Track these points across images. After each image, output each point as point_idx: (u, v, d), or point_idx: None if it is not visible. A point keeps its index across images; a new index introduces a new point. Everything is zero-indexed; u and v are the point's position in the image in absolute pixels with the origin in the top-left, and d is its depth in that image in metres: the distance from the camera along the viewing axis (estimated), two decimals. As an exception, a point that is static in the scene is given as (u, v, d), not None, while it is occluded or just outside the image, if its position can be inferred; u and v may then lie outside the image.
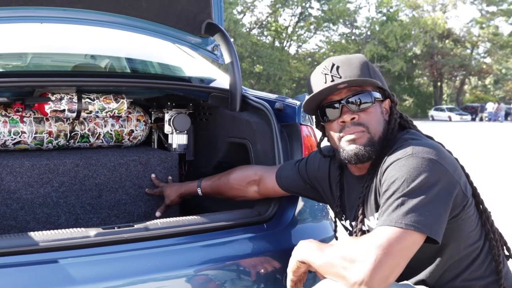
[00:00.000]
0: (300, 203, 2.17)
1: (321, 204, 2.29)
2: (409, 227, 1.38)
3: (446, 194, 1.45)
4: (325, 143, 1.86)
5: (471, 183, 1.62)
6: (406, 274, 1.60)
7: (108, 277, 1.67)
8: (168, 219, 1.97)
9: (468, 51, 50.61)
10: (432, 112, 43.83)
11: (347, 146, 1.62)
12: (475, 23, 48.99)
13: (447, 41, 49.63)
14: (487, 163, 10.60)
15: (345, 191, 1.81)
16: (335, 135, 1.66)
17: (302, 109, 1.73)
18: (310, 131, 2.27)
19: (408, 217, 1.39)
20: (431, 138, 1.65)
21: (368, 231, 1.68)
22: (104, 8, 2.27)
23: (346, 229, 1.85)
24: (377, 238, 1.39)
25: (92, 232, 1.76)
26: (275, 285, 1.96)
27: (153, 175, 2.49)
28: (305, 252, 1.58)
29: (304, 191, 2.02)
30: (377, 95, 1.64)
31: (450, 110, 42.80)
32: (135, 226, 1.85)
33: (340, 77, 1.60)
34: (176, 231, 1.90)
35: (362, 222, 1.69)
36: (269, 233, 2.06)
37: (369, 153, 1.60)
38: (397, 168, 1.48)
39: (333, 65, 1.62)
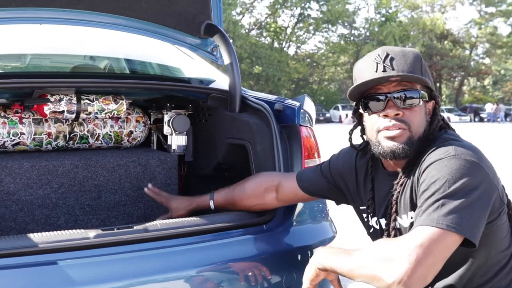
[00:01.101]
0: (300, 204, 2.17)
1: (320, 205, 2.29)
2: (450, 228, 1.37)
3: (486, 198, 1.44)
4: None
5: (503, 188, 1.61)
6: (436, 276, 1.57)
7: (107, 278, 1.66)
8: (167, 221, 1.97)
9: (467, 52, 50.67)
10: (431, 113, 43.77)
11: (385, 141, 1.58)
12: (474, 24, 49.08)
13: (446, 42, 49.68)
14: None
15: (375, 185, 1.77)
16: (374, 127, 1.62)
17: (347, 95, 1.69)
18: (309, 132, 2.26)
19: (449, 218, 1.38)
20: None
21: (399, 229, 1.65)
22: (103, 9, 2.26)
23: (370, 227, 1.79)
24: (417, 238, 1.37)
25: (91, 233, 1.75)
26: (275, 286, 1.96)
27: (147, 188, 2.34)
28: (328, 258, 1.54)
29: (328, 192, 1.97)
30: (424, 94, 1.61)
31: (449, 111, 42.83)
32: (135, 227, 1.85)
33: (393, 69, 1.56)
34: (176, 232, 1.89)
35: (395, 220, 1.66)
36: (269, 234, 2.05)
37: (406, 152, 1.56)
38: (439, 168, 1.46)
39: (387, 55, 1.58)
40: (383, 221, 1.71)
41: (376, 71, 1.58)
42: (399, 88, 1.58)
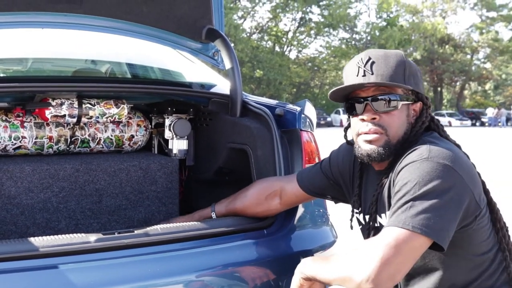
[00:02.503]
0: (301, 209, 2.17)
1: (321, 210, 2.29)
2: (416, 229, 1.38)
3: (457, 202, 1.44)
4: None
5: (487, 192, 1.61)
6: (416, 280, 1.60)
7: (108, 283, 1.67)
8: (168, 225, 1.97)
9: (468, 56, 50.69)
10: (432, 117, 43.78)
11: (363, 144, 1.62)
12: (475, 28, 49.12)
13: (447, 46, 49.70)
14: (487, 167, 10.59)
15: (363, 182, 1.80)
16: (354, 130, 1.67)
17: (328, 97, 1.73)
18: (310, 137, 2.27)
19: (416, 220, 1.39)
20: (458, 145, 1.63)
21: (379, 228, 1.66)
22: (104, 13, 2.27)
23: (359, 222, 1.83)
24: (384, 238, 1.39)
25: (92, 237, 1.75)
26: (275, 291, 1.96)
27: None
28: (308, 267, 1.56)
29: (328, 189, 1.97)
30: (406, 98, 1.62)
31: (450, 115, 42.85)
32: (135, 231, 1.85)
33: (372, 74, 1.58)
34: (176, 236, 1.90)
35: (375, 219, 1.69)
36: (269, 239, 2.06)
37: (382, 156, 1.60)
38: (411, 171, 1.48)
39: (369, 59, 1.60)
40: (367, 218, 1.75)
41: (357, 75, 1.61)
42: (377, 92, 1.61)
